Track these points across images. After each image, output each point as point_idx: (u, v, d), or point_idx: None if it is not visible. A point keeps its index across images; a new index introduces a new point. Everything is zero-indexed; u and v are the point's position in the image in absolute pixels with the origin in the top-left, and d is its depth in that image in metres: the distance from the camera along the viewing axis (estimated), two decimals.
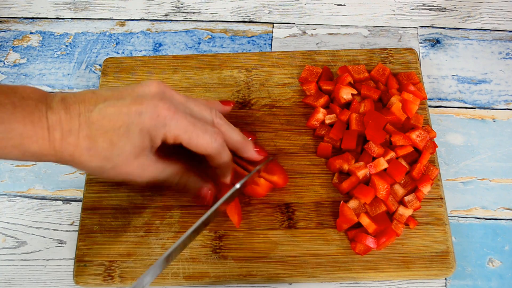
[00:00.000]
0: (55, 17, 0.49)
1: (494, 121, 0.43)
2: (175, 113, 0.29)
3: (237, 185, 0.33)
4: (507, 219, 0.38)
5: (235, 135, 0.34)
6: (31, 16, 0.49)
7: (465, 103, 0.44)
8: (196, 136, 0.30)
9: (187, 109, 0.31)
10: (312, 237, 0.36)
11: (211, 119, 0.32)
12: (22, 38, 0.48)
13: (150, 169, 0.30)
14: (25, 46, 0.47)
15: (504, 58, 0.45)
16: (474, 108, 0.43)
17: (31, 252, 0.38)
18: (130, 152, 0.29)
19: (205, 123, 0.31)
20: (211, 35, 0.47)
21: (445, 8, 0.47)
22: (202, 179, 0.34)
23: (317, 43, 0.46)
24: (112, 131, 0.28)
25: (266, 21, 0.47)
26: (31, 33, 0.48)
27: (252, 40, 0.47)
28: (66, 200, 0.40)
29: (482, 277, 0.36)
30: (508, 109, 0.43)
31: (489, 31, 0.46)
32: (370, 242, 0.35)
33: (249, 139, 0.36)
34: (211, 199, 0.35)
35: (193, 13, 0.48)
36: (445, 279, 0.36)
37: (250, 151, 0.35)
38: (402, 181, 0.37)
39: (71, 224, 0.39)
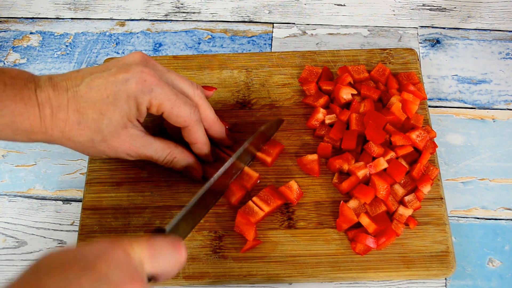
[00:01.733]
0: (55, 17, 0.49)
1: (494, 121, 0.43)
2: (159, 80, 0.29)
3: (243, 147, 0.34)
4: (507, 219, 0.38)
5: (211, 113, 0.34)
6: (31, 16, 0.49)
7: (465, 103, 0.44)
8: (178, 106, 0.30)
9: (168, 79, 0.31)
10: (312, 237, 0.36)
11: (192, 92, 0.33)
12: (22, 38, 0.48)
13: (139, 141, 0.31)
14: (25, 46, 0.47)
15: (504, 58, 0.45)
16: (474, 108, 0.43)
17: (31, 252, 0.38)
18: (119, 121, 0.29)
19: (186, 95, 0.32)
20: (211, 35, 0.47)
21: (445, 8, 0.47)
22: (190, 155, 0.35)
23: (317, 43, 0.47)
24: (100, 101, 0.28)
25: (266, 21, 0.47)
26: (31, 33, 0.48)
27: (252, 40, 0.47)
28: (66, 200, 0.40)
29: (482, 277, 0.36)
30: (508, 109, 0.43)
31: (489, 31, 0.46)
32: (370, 242, 0.35)
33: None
34: (199, 174, 0.36)
35: (193, 13, 0.48)
36: (445, 279, 0.36)
37: (222, 133, 0.35)
38: (402, 181, 0.37)
39: (71, 224, 0.39)
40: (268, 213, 0.36)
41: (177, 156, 0.34)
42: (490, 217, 0.39)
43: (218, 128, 0.35)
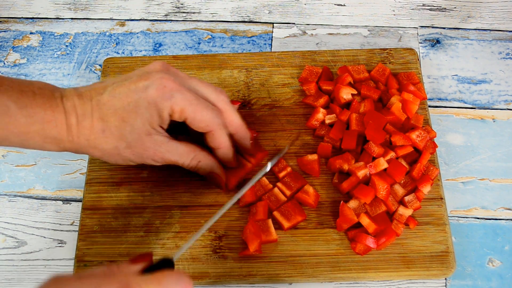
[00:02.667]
0: (55, 17, 0.49)
1: (494, 121, 0.42)
2: (180, 86, 0.30)
3: (268, 167, 0.34)
4: (507, 219, 0.38)
5: (237, 118, 0.34)
6: (31, 16, 0.49)
7: (465, 103, 0.43)
8: (200, 110, 0.30)
9: (190, 86, 0.31)
10: (312, 237, 0.36)
11: (215, 97, 0.33)
12: (22, 38, 0.48)
13: (164, 147, 0.31)
14: (25, 46, 0.47)
15: (504, 58, 0.45)
16: (474, 108, 0.43)
17: (31, 252, 0.38)
18: (141, 128, 0.29)
19: (208, 100, 0.32)
20: (211, 35, 0.47)
21: (445, 8, 0.47)
22: (215, 160, 0.34)
23: (317, 43, 0.46)
24: (122, 109, 0.29)
25: (266, 21, 0.47)
26: (31, 33, 0.48)
27: (252, 40, 0.47)
28: (66, 200, 0.40)
29: (482, 277, 0.36)
30: (508, 109, 0.43)
31: (489, 31, 0.46)
32: (370, 242, 0.35)
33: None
34: (223, 181, 0.35)
35: (193, 13, 0.48)
36: (445, 279, 0.36)
37: (247, 139, 0.35)
38: (402, 181, 0.37)
39: (71, 224, 0.39)
40: (286, 229, 0.36)
41: (201, 160, 0.33)
42: (490, 217, 0.39)
43: (244, 134, 0.35)
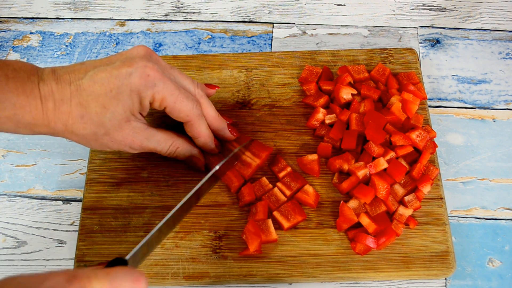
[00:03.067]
0: (55, 17, 0.49)
1: (494, 121, 0.42)
2: (162, 75, 0.29)
3: (217, 166, 0.34)
4: (507, 219, 0.38)
5: (212, 110, 0.35)
6: (31, 16, 0.49)
7: (465, 103, 0.43)
8: (180, 100, 0.30)
9: (171, 75, 0.31)
10: (312, 237, 0.36)
11: (193, 90, 0.33)
12: (22, 38, 0.48)
13: (142, 134, 0.31)
14: (25, 46, 0.47)
15: (504, 58, 0.45)
16: (474, 108, 0.43)
17: (31, 252, 0.38)
18: (122, 115, 0.29)
19: (187, 91, 0.32)
20: (211, 35, 0.47)
21: (445, 8, 0.47)
22: (192, 145, 0.35)
23: (317, 43, 0.46)
24: (103, 95, 0.28)
25: (266, 21, 0.47)
26: (31, 33, 0.48)
27: (252, 40, 0.47)
28: (66, 200, 0.40)
29: (482, 277, 0.36)
30: (508, 109, 0.43)
31: (489, 31, 0.46)
32: (370, 242, 0.35)
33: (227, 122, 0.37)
34: (201, 163, 0.36)
35: (193, 13, 0.48)
36: (445, 279, 0.36)
37: (224, 129, 0.36)
38: (402, 181, 0.37)
39: (71, 224, 0.39)
40: (286, 229, 0.36)
41: (179, 146, 0.34)
42: (490, 217, 0.38)
43: (220, 124, 0.35)
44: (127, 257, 0.28)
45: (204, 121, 0.33)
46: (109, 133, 0.29)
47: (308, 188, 0.37)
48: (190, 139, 0.35)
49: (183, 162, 0.37)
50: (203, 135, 0.34)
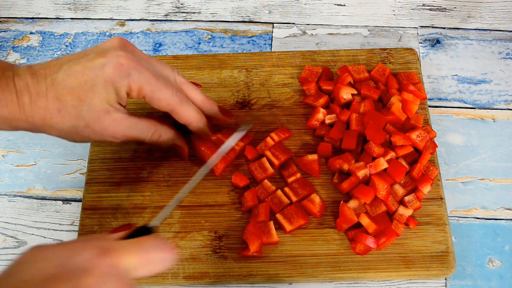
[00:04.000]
0: (55, 17, 0.49)
1: (494, 121, 0.42)
2: (138, 64, 0.29)
3: (238, 135, 0.34)
4: (507, 219, 0.38)
5: (199, 94, 0.34)
6: (31, 16, 0.48)
7: (465, 103, 0.43)
8: (159, 89, 0.29)
9: (149, 64, 0.31)
10: (312, 237, 0.36)
11: (172, 77, 0.32)
12: (22, 38, 0.47)
13: (124, 124, 0.30)
14: (25, 46, 0.47)
15: (504, 58, 0.45)
16: (474, 108, 0.43)
17: None
18: (99, 107, 0.28)
19: (166, 79, 0.31)
20: (211, 35, 0.47)
21: (445, 8, 0.47)
22: (175, 133, 0.34)
23: (317, 43, 0.46)
24: (78, 87, 0.28)
25: (266, 21, 0.47)
26: (31, 33, 0.48)
27: (252, 40, 0.47)
28: (66, 200, 0.39)
29: (482, 277, 0.36)
30: (508, 109, 0.43)
31: (489, 31, 0.46)
32: (370, 242, 0.34)
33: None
34: (185, 152, 0.35)
35: (193, 13, 0.48)
36: (445, 279, 0.36)
37: (216, 113, 0.35)
38: (402, 181, 0.37)
39: (71, 224, 0.39)
40: (288, 232, 0.35)
41: (162, 134, 0.33)
42: (490, 217, 0.38)
43: (209, 107, 0.34)
44: (151, 225, 0.27)
45: (190, 106, 0.32)
46: (89, 125, 0.29)
47: (315, 197, 0.36)
48: (177, 128, 0.34)
49: (183, 162, 0.37)
50: (194, 120, 0.33)
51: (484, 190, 0.39)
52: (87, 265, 0.21)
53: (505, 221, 0.38)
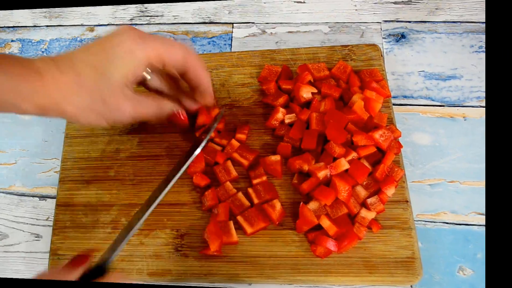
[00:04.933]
0: (32, 25, 0.38)
1: (465, 120, 0.29)
2: (150, 35, 0.26)
3: (198, 150, 0.27)
4: (480, 225, 0.26)
5: (201, 61, 0.28)
6: (12, 25, 0.38)
7: (433, 100, 0.30)
8: (172, 44, 0.26)
9: (160, 37, 0.26)
10: (271, 238, 0.27)
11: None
12: (4, 46, 0.38)
13: (135, 99, 0.25)
14: (7, 53, 0.36)
15: (476, 51, 0.31)
16: (443, 105, 0.30)
17: (12, 245, 0.30)
18: (118, 81, 0.24)
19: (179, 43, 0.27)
20: (174, 37, 0.35)
21: (410, 1, 0.33)
22: (175, 102, 0.28)
23: (276, 42, 0.33)
24: (99, 62, 0.24)
25: (226, 22, 0.34)
26: (12, 40, 0.38)
27: (213, 41, 0.34)
28: (42, 197, 0.32)
29: (451, 285, 0.25)
30: (481, 107, 0.29)
31: (459, 23, 0.32)
32: (331, 245, 0.25)
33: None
34: (185, 120, 0.28)
35: (156, 16, 0.36)
36: (411, 286, 0.25)
37: (209, 80, 0.27)
38: (365, 183, 0.27)
39: (46, 220, 0.31)
40: (249, 234, 0.27)
41: (163, 106, 0.28)
42: (460, 222, 0.26)
43: (208, 77, 0.27)
44: (108, 263, 0.22)
45: (203, 63, 0.27)
46: (106, 101, 0.24)
47: (277, 203, 0.27)
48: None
49: (147, 161, 0.29)
50: (205, 81, 0.27)
51: (454, 193, 0.27)
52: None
53: (477, 226, 0.25)
